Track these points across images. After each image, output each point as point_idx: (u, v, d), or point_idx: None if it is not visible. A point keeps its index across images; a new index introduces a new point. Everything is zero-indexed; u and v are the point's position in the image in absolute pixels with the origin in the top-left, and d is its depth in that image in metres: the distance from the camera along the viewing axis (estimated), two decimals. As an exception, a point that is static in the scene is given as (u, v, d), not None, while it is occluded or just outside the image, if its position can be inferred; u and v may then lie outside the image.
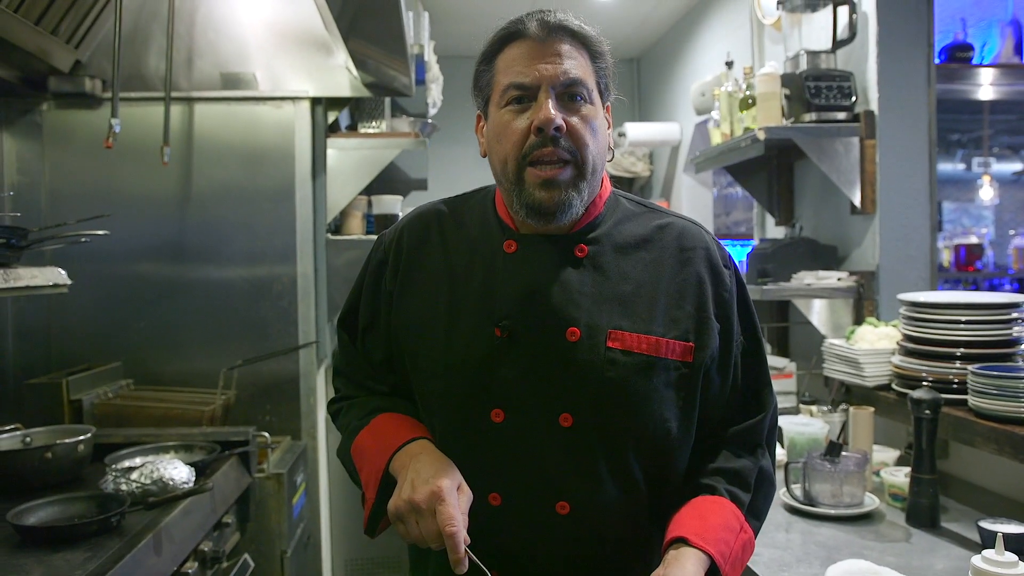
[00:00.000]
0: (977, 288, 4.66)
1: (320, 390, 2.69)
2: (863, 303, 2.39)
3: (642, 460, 1.10)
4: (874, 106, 2.37)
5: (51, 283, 1.87)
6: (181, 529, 1.61)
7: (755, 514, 1.15)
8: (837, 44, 2.47)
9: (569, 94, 1.08)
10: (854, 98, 2.38)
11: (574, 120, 1.07)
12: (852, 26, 2.42)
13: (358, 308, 1.26)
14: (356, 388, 1.27)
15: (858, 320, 2.37)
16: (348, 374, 1.29)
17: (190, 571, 1.60)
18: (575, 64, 1.08)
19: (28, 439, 1.89)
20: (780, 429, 2.17)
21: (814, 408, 2.24)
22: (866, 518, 1.77)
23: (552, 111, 1.05)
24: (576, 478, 1.08)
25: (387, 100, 2.92)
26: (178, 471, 1.71)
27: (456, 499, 0.99)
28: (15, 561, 1.36)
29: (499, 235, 1.16)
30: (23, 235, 1.80)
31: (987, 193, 5.12)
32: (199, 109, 2.56)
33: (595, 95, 1.11)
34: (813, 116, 2.38)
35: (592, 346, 1.08)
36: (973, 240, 4.95)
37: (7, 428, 1.91)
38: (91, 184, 2.51)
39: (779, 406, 2.54)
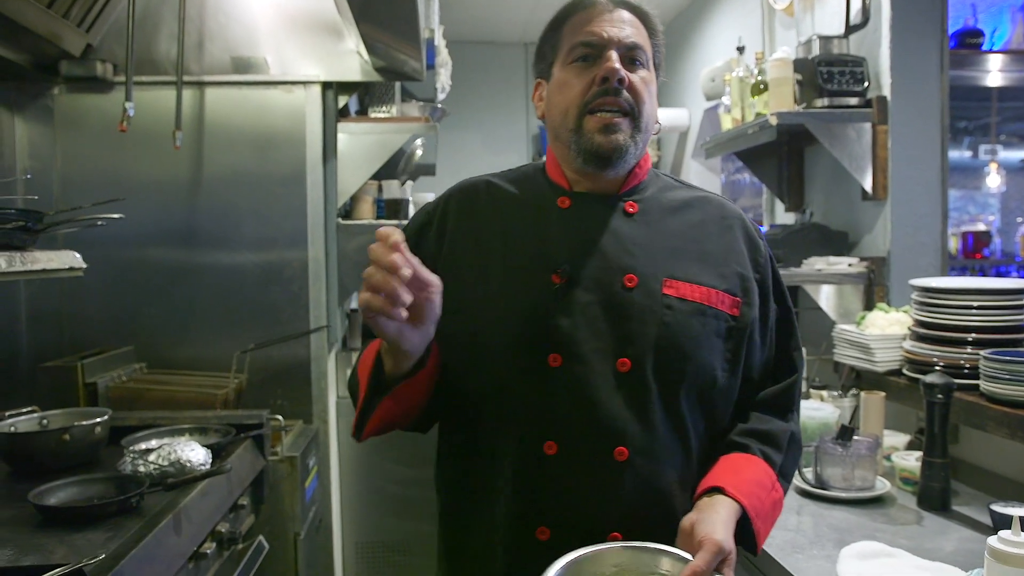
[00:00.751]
0: (984, 275, 4.66)
1: (331, 374, 2.70)
2: (874, 289, 2.39)
3: (692, 409, 1.14)
4: (886, 92, 2.37)
5: (67, 266, 1.87)
6: (199, 510, 1.62)
7: (785, 475, 1.19)
8: (850, 29, 2.46)
9: (630, 57, 1.15)
10: (866, 83, 2.38)
11: (634, 78, 1.14)
12: (865, 11, 2.41)
13: None
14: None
15: (868, 306, 2.37)
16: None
17: (208, 552, 1.62)
18: (637, 32, 1.16)
19: (45, 421, 1.91)
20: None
21: (824, 393, 2.25)
22: (877, 501, 1.79)
23: (617, 65, 1.12)
24: (633, 424, 1.09)
25: (397, 85, 2.92)
26: (195, 453, 1.72)
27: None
28: (38, 540, 1.37)
29: (551, 194, 1.20)
30: (39, 218, 1.81)
31: (994, 180, 5.11)
32: (210, 93, 2.56)
33: (651, 65, 1.19)
34: (825, 101, 2.37)
35: (649, 292, 1.12)
36: (981, 227, 4.94)
37: (24, 411, 1.92)
38: (103, 168, 2.51)
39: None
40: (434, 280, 0.98)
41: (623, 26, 1.15)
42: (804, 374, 1.29)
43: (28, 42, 2.25)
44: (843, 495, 1.79)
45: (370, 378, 1.08)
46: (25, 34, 2.16)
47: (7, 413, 1.89)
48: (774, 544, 1.55)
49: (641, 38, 1.17)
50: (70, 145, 2.51)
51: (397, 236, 0.93)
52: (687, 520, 1.02)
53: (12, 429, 1.85)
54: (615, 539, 1.08)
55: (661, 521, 1.11)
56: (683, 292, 1.13)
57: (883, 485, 1.83)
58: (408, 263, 0.93)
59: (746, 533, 1.06)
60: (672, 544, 1.03)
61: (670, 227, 1.18)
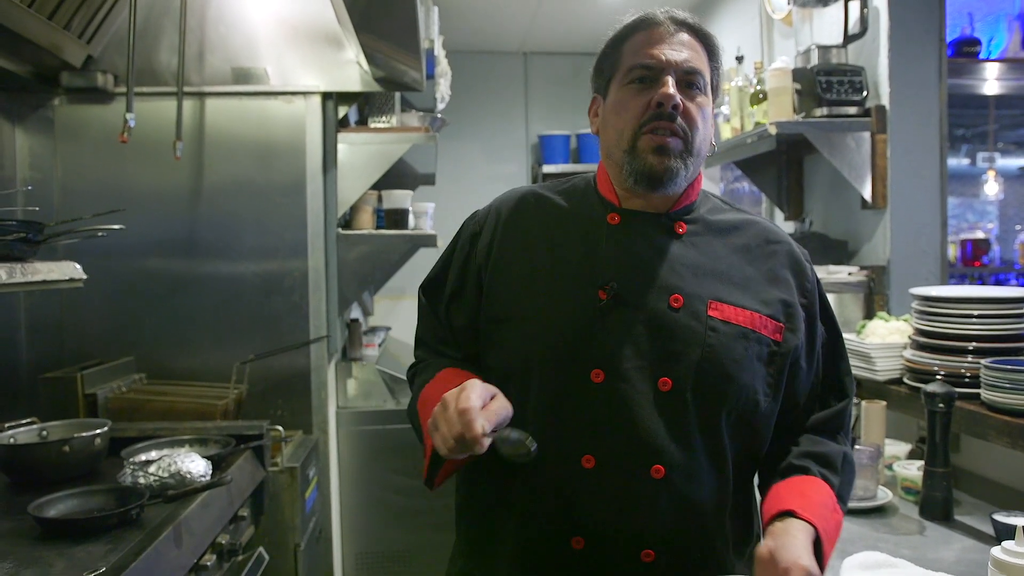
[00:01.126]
0: (984, 283, 4.67)
1: (331, 385, 2.70)
2: (874, 298, 2.40)
3: (731, 431, 1.14)
4: (885, 101, 2.37)
5: (67, 277, 1.87)
6: (200, 522, 1.62)
7: (842, 498, 1.19)
8: (848, 39, 2.47)
9: (687, 82, 1.15)
10: (865, 93, 2.38)
11: (689, 104, 1.14)
12: (863, 20, 2.42)
13: (443, 277, 1.30)
14: (432, 354, 1.30)
15: (869, 314, 2.37)
16: (426, 341, 1.33)
17: (208, 563, 1.62)
18: (696, 56, 1.16)
19: (45, 433, 1.90)
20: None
21: (825, 402, 2.24)
22: (879, 511, 1.78)
23: (673, 91, 1.12)
24: (671, 443, 1.10)
25: (397, 95, 2.92)
26: (195, 464, 1.72)
27: (478, 393, 1.01)
28: (37, 553, 1.36)
29: (601, 209, 1.21)
30: (39, 229, 1.81)
31: (992, 188, 5.12)
32: (210, 104, 2.56)
33: (708, 89, 1.19)
34: (824, 111, 2.38)
35: (694, 313, 1.12)
36: (980, 235, 4.95)
37: (24, 422, 1.92)
38: (103, 179, 2.52)
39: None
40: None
41: (682, 49, 1.15)
42: (855, 399, 1.30)
43: (29, 53, 2.25)
44: (845, 505, 1.78)
45: None
46: (26, 45, 2.16)
47: (7, 425, 1.89)
48: (776, 554, 1.54)
49: (700, 62, 1.17)
50: (71, 156, 2.52)
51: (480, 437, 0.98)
52: (764, 548, 1.02)
53: (12, 441, 1.84)
54: (648, 555, 1.09)
55: (695, 540, 1.12)
56: (728, 315, 1.14)
57: (885, 495, 1.82)
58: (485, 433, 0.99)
59: (816, 556, 1.05)
60: (720, 568, 1.06)
61: (717, 250, 1.19)
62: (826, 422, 1.23)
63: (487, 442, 0.99)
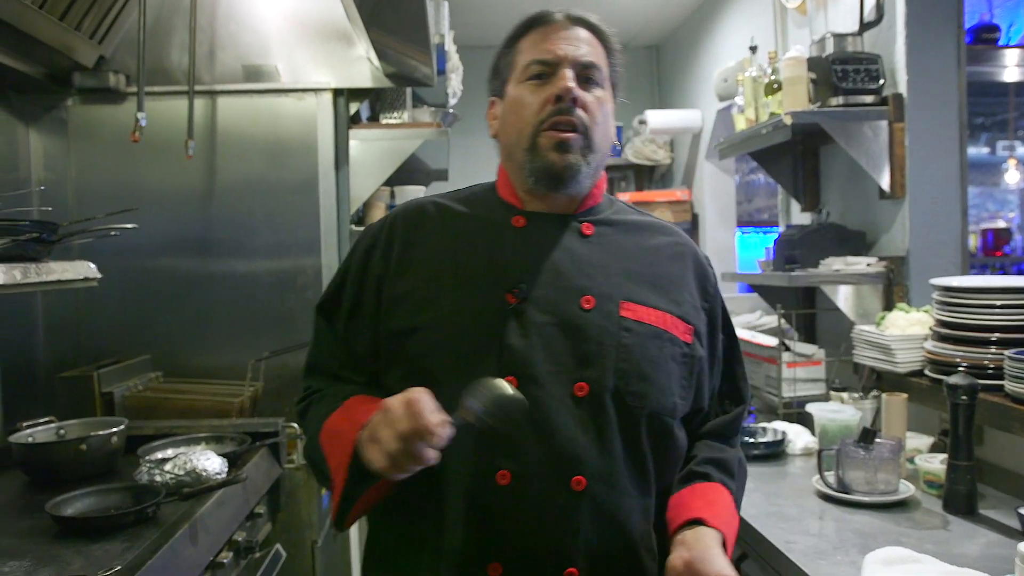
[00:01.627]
0: (1005, 273, 4.60)
1: (346, 381, 2.69)
2: (893, 289, 2.36)
3: (650, 436, 1.10)
4: (903, 89, 2.34)
5: (82, 277, 1.88)
6: (216, 519, 1.62)
7: (738, 503, 1.19)
8: (864, 26, 2.44)
9: (585, 76, 1.14)
10: (882, 81, 2.35)
11: (588, 98, 1.13)
12: (879, 8, 2.38)
13: (340, 295, 1.22)
14: (330, 381, 1.22)
15: (888, 306, 2.34)
16: (322, 366, 1.24)
17: (225, 561, 1.61)
18: (593, 51, 1.15)
19: (62, 431, 1.91)
20: (811, 416, 2.16)
21: (845, 395, 2.22)
22: (901, 505, 1.76)
23: (571, 83, 1.11)
24: (591, 451, 1.05)
25: (408, 91, 2.91)
26: (211, 462, 1.71)
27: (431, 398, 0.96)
28: (55, 552, 1.37)
29: (505, 213, 1.18)
30: (53, 229, 1.81)
31: (1013, 177, 5.05)
32: (222, 102, 2.56)
33: (607, 85, 1.17)
34: (840, 100, 2.35)
35: (607, 313, 1.09)
36: (1001, 224, 4.88)
37: (42, 421, 1.92)
38: (117, 179, 2.52)
39: (809, 393, 2.54)
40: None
41: (579, 44, 1.14)
42: (750, 404, 1.31)
43: (42, 54, 2.26)
44: (866, 499, 1.76)
45: (350, 468, 1.04)
46: (39, 46, 2.17)
47: (25, 424, 1.90)
48: (796, 550, 1.52)
49: (597, 56, 1.15)
50: (84, 156, 2.52)
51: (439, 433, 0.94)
52: (678, 559, 0.99)
53: (30, 439, 1.85)
54: (572, 574, 1.04)
55: (620, 554, 1.08)
56: (640, 315, 1.11)
57: (907, 488, 1.79)
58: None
59: None
60: (639, 556, 1.04)
61: (626, 249, 1.17)
62: (723, 427, 1.23)
63: (446, 432, 0.93)
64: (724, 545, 1.04)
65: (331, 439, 1.10)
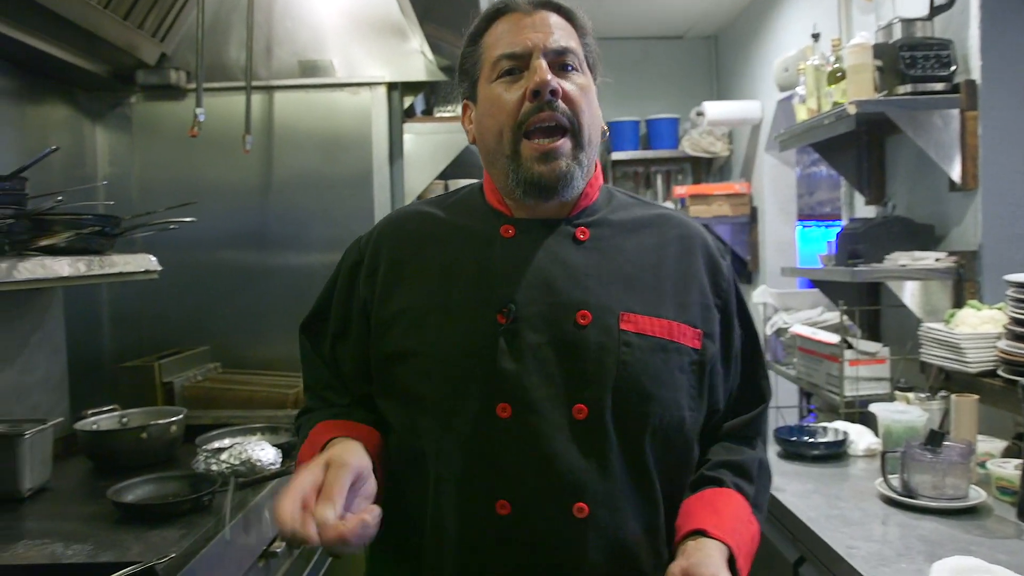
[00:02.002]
0: (1084, 269, 4.37)
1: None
2: (963, 285, 2.26)
3: (657, 453, 1.03)
4: (976, 75, 2.23)
5: (143, 269, 1.93)
6: (270, 509, 1.64)
7: (758, 506, 1.10)
8: (935, 10, 2.33)
9: (560, 63, 1.05)
10: (953, 67, 2.24)
11: (568, 86, 1.04)
12: (952, -10, 2.28)
13: (325, 314, 1.17)
14: (319, 401, 1.18)
15: (957, 303, 2.24)
16: (311, 387, 1.20)
17: (278, 550, 1.64)
18: (565, 34, 1.06)
19: (125, 420, 1.97)
20: (874, 416, 2.08)
21: (911, 395, 2.13)
22: (971, 512, 1.68)
23: (547, 73, 1.01)
24: (593, 476, 0.99)
25: (462, 84, 2.91)
26: (265, 452, 1.74)
27: (305, 476, 0.86)
28: (116, 537, 1.41)
29: (494, 222, 1.09)
30: (116, 223, 1.87)
31: (1095, 168, 4.79)
32: (278, 97, 2.60)
33: (585, 68, 1.08)
34: (908, 88, 2.24)
35: (605, 328, 1.01)
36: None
37: (106, 409, 1.99)
38: (178, 173, 2.58)
39: (873, 392, 2.45)
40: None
41: (548, 29, 1.04)
42: (772, 402, 1.23)
43: (107, 53, 2.33)
44: (933, 504, 1.68)
45: None
46: (104, 45, 2.23)
47: (90, 412, 1.96)
48: (859, 556, 1.46)
49: (570, 39, 1.06)
50: (147, 151, 2.59)
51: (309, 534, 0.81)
52: (676, 568, 0.93)
53: (95, 427, 1.91)
54: None
55: None
56: (642, 327, 1.02)
57: (978, 494, 1.71)
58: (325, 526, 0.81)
59: (733, 573, 0.97)
60: None
61: (626, 252, 1.08)
62: (741, 428, 1.15)
63: (311, 530, 0.81)
64: (732, 556, 0.98)
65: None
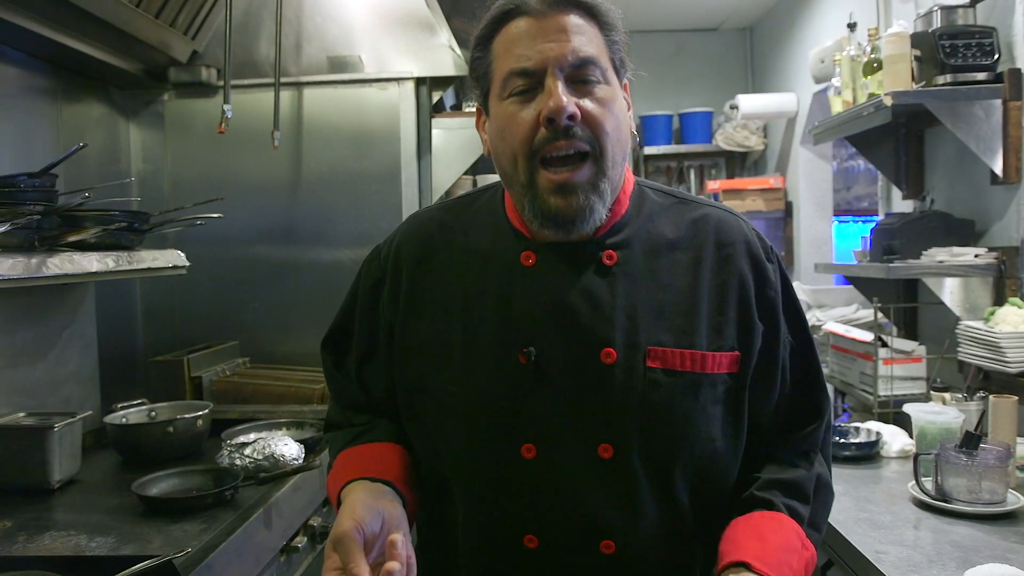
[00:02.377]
0: None
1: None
2: (1004, 282, 2.18)
3: (688, 484, 1.00)
4: (1020, 63, 2.15)
5: (171, 265, 1.95)
6: (291, 504, 1.65)
7: (815, 526, 1.04)
8: (977, -3, 2.25)
9: (581, 77, 0.95)
10: (997, 56, 2.16)
11: (589, 105, 0.94)
12: (995, -23, 2.20)
13: (348, 329, 1.15)
14: (340, 416, 1.18)
15: (998, 300, 2.17)
16: (335, 399, 1.20)
17: (300, 545, 1.65)
18: (584, 40, 0.95)
19: (153, 413, 2.00)
20: (908, 416, 2.02)
21: (947, 395, 2.07)
22: (1009, 517, 1.62)
23: (563, 98, 0.92)
24: (619, 512, 0.97)
25: (490, 78, 2.89)
26: (288, 448, 1.75)
27: (352, 541, 0.84)
28: (138, 529, 1.42)
29: (514, 245, 1.02)
30: (145, 219, 1.89)
31: None
32: (307, 93, 2.61)
33: (610, 74, 0.98)
34: (948, 78, 2.17)
35: (631, 367, 0.96)
36: None
37: (135, 403, 2.02)
38: (209, 170, 2.61)
39: (908, 392, 2.38)
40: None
41: (565, 37, 0.93)
42: (832, 416, 1.13)
43: (140, 52, 2.36)
44: (968, 509, 1.63)
45: None
46: (136, 44, 2.26)
47: (119, 405, 1.99)
48: (887, 561, 1.42)
49: (592, 44, 0.95)
50: (179, 148, 2.63)
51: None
52: None
53: (124, 420, 1.94)
54: None
55: None
56: (672, 362, 0.97)
57: (1016, 499, 1.65)
58: None
59: None
60: None
61: (657, 275, 1.00)
62: (797, 443, 1.07)
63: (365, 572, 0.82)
64: None
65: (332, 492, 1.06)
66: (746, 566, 0.92)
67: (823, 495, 1.07)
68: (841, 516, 1.65)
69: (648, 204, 1.06)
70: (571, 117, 0.92)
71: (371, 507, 0.91)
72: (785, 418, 1.07)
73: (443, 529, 1.08)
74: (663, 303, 0.99)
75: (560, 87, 0.93)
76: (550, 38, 0.94)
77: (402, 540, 0.84)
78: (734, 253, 1.03)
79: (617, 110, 0.97)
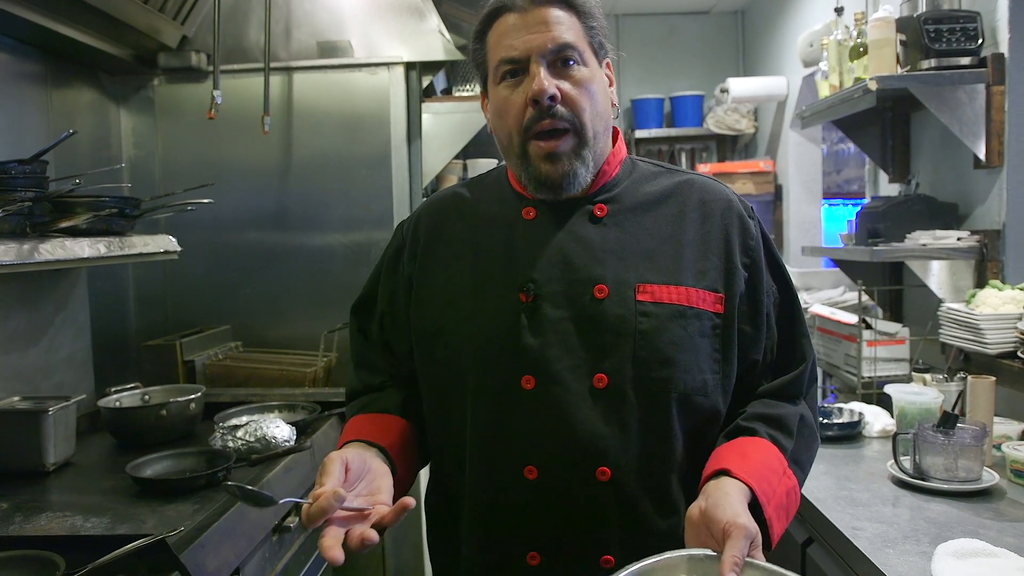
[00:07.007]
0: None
1: (417, 353, 2.73)
2: (986, 265, 2.21)
3: (681, 417, 1.08)
4: (1004, 48, 2.16)
5: (162, 250, 1.97)
6: (283, 485, 1.68)
7: (798, 463, 1.11)
8: (962, -18, 2.26)
9: (561, 60, 1.08)
10: (980, 40, 2.18)
11: (567, 86, 1.08)
12: (980, -39, 2.21)
13: (375, 297, 1.27)
14: (357, 380, 1.27)
15: (980, 283, 2.20)
16: (354, 361, 1.29)
17: (291, 525, 1.68)
18: (563, 28, 1.08)
19: (147, 397, 2.02)
20: (891, 397, 2.06)
21: (928, 376, 2.11)
22: (984, 495, 1.66)
23: (544, 81, 1.06)
24: (614, 442, 1.05)
25: (480, 63, 2.90)
26: (280, 430, 1.78)
27: (332, 463, 0.95)
28: (133, 510, 1.45)
29: (517, 204, 1.16)
30: (136, 205, 1.91)
31: None
32: (297, 78, 2.62)
33: (588, 55, 1.11)
34: (932, 62, 2.19)
35: (622, 300, 1.07)
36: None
37: (129, 386, 2.04)
38: (200, 155, 2.62)
39: (891, 373, 2.42)
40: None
41: (545, 27, 1.07)
42: (816, 360, 1.21)
43: (130, 37, 2.36)
44: (944, 487, 1.67)
45: None
46: (127, 29, 2.27)
47: (113, 389, 2.02)
48: (863, 537, 1.46)
49: (570, 32, 1.08)
50: (169, 134, 2.63)
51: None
52: (694, 508, 0.96)
53: (117, 404, 1.97)
54: (608, 562, 1.05)
55: (654, 538, 1.06)
56: (659, 296, 1.08)
57: (991, 477, 1.69)
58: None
59: (757, 522, 0.95)
60: (678, 538, 1.00)
61: (644, 225, 1.13)
62: (783, 387, 1.16)
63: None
64: (756, 501, 0.99)
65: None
66: (726, 472, 1.01)
67: (807, 435, 1.15)
68: (821, 494, 1.69)
69: (637, 171, 1.19)
70: (552, 98, 1.06)
71: (358, 454, 1.02)
72: (771, 364, 1.16)
73: (447, 476, 1.18)
74: (650, 248, 1.11)
75: (543, 72, 1.06)
76: (533, 30, 1.08)
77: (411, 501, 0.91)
78: (716, 208, 1.15)
79: (595, 89, 1.10)
